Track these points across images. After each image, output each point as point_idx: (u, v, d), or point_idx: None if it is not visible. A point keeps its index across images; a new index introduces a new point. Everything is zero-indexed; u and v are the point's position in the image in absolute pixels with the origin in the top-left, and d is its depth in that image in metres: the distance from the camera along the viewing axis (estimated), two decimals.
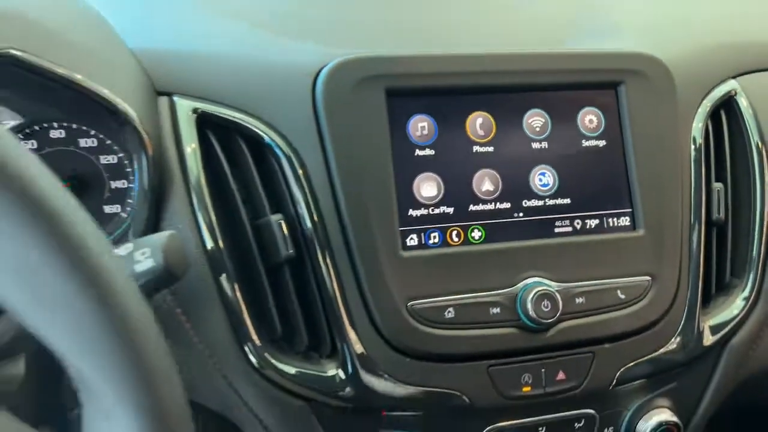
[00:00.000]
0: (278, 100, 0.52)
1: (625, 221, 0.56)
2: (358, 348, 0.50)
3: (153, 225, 0.56)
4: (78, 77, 0.46)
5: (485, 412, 0.53)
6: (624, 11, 0.68)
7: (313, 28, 0.59)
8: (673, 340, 0.56)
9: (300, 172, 0.50)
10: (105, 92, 0.47)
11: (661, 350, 0.55)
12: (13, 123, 0.57)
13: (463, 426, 0.53)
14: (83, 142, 0.59)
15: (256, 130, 0.51)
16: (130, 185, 0.60)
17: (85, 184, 0.59)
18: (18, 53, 0.45)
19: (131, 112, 0.48)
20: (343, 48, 0.54)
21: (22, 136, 0.57)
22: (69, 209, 0.27)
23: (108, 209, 0.60)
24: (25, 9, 0.48)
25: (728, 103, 0.62)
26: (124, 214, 0.60)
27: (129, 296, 0.27)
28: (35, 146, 0.58)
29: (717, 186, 0.60)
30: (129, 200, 0.60)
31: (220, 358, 0.50)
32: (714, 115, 0.61)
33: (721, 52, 0.64)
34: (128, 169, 0.60)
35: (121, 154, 0.59)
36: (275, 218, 0.50)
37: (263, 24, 0.58)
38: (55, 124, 0.58)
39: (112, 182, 0.60)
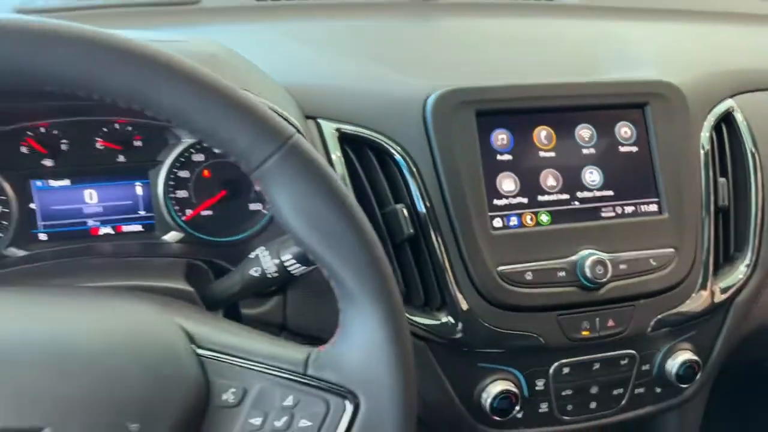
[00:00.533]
0: (397, 120, 0.69)
1: (653, 207, 0.74)
2: (462, 302, 0.67)
3: None
4: (266, 101, 0.63)
5: (554, 351, 0.70)
6: (644, 46, 0.87)
7: (414, 65, 0.76)
8: (692, 297, 0.73)
9: (415, 171, 0.67)
10: (284, 113, 0.63)
11: (684, 305, 0.73)
12: (190, 140, 0.74)
13: (538, 360, 0.70)
14: None
15: (382, 143, 0.68)
16: None
17: (238, 187, 0.76)
18: None
19: (300, 128, 0.65)
20: (440, 80, 0.71)
21: (194, 150, 0.74)
22: (335, 177, 0.43)
23: (252, 207, 0.77)
24: (220, 53, 0.65)
25: (727, 118, 0.80)
26: (264, 211, 0.78)
27: (372, 232, 0.44)
28: (203, 158, 0.75)
29: (722, 181, 0.77)
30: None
31: None
32: (717, 126, 0.79)
33: (721, 77, 0.82)
34: None
35: None
36: (399, 207, 0.67)
37: (377, 61, 0.76)
38: None
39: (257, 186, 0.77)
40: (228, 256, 0.73)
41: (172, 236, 0.75)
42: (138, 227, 0.74)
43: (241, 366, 0.44)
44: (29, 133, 0.69)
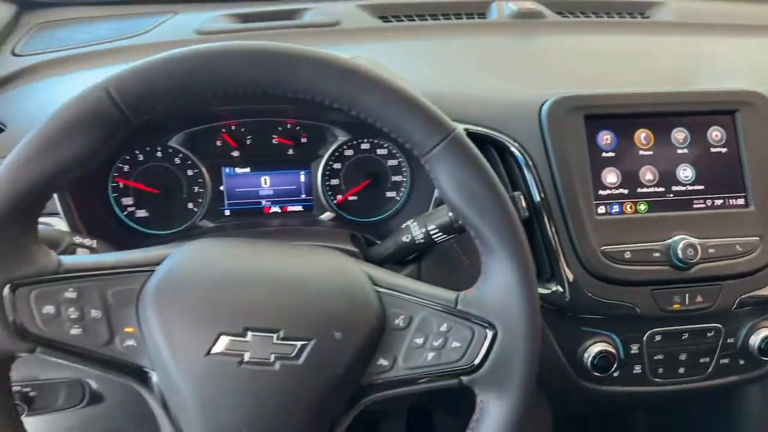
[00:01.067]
0: (516, 122, 0.83)
1: (740, 201, 0.84)
2: (569, 275, 0.80)
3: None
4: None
5: (648, 320, 0.82)
6: (735, 59, 0.97)
7: (528, 76, 0.90)
8: None
9: (531, 165, 0.81)
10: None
11: (766, 287, 0.83)
12: (344, 138, 0.91)
13: (634, 327, 0.82)
14: (379, 151, 0.92)
15: (503, 140, 0.82)
16: (404, 179, 0.93)
17: (377, 178, 0.92)
18: None
19: None
20: (552, 89, 0.85)
21: (346, 147, 0.91)
22: (485, 162, 0.57)
23: (388, 194, 0.93)
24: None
25: None
26: (397, 198, 0.93)
27: (510, 204, 0.58)
28: (352, 153, 0.92)
29: None
30: (402, 188, 0.93)
31: (479, 272, 0.81)
32: None
33: None
34: (404, 169, 0.93)
35: (401, 159, 0.93)
36: (516, 194, 0.80)
37: (495, 73, 0.91)
38: (365, 140, 0.92)
39: (393, 177, 0.93)
40: (370, 233, 0.89)
41: (326, 216, 0.92)
42: (299, 208, 0.92)
43: (407, 300, 0.59)
44: (223, 130, 0.88)
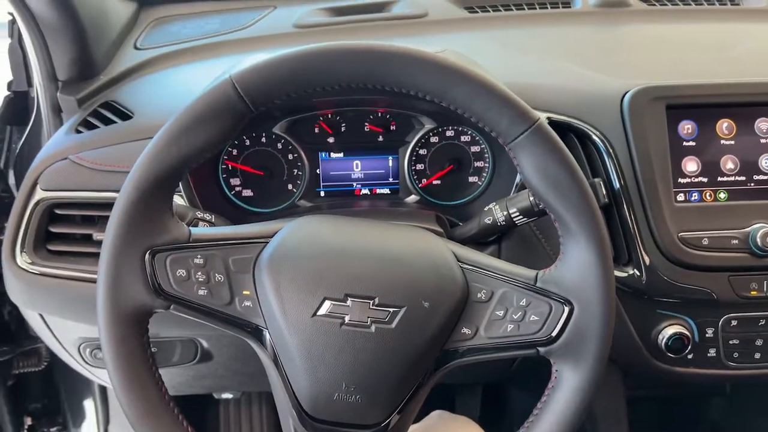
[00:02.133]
0: (597, 111, 0.86)
1: None
2: (647, 259, 0.83)
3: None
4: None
5: (724, 305, 0.84)
6: None
7: (611, 66, 0.93)
8: None
9: (611, 152, 0.84)
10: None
11: None
12: (429, 126, 0.97)
13: (709, 312, 0.85)
14: (462, 138, 0.98)
15: (584, 128, 0.85)
16: (486, 165, 0.98)
17: (460, 163, 0.98)
18: None
19: None
20: (634, 79, 0.87)
21: (431, 134, 0.97)
22: (567, 150, 0.62)
23: (471, 179, 0.99)
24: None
25: None
26: (479, 183, 0.99)
27: (590, 189, 0.62)
28: (437, 140, 0.97)
29: None
30: (484, 174, 0.98)
31: (556, 253, 0.86)
32: None
33: None
34: (486, 155, 0.98)
35: (483, 146, 0.98)
36: (597, 180, 0.84)
37: (578, 62, 0.94)
38: (449, 128, 0.97)
39: (475, 162, 0.98)
40: (452, 215, 0.95)
41: (411, 198, 0.98)
42: (387, 190, 0.99)
43: (489, 276, 0.65)
44: (321, 118, 0.95)
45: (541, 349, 0.64)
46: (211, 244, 0.64)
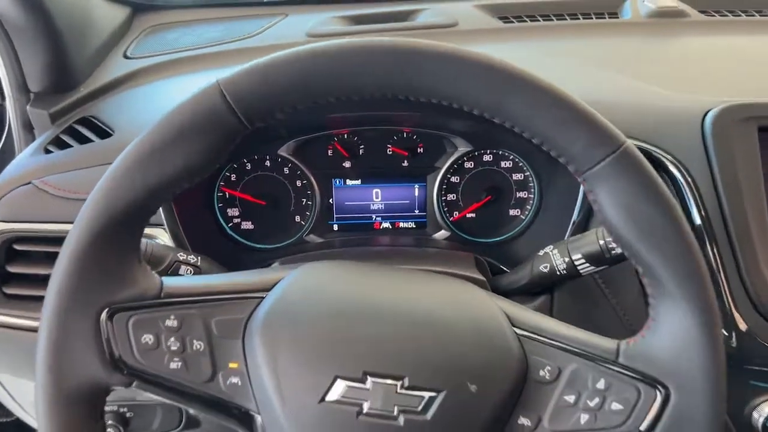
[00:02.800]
0: (673, 133, 0.71)
1: None
2: (738, 317, 0.66)
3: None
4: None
5: None
6: None
7: (683, 81, 0.78)
8: None
9: (691, 183, 0.69)
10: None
11: None
12: (464, 149, 0.82)
13: None
14: (503, 164, 0.82)
15: (657, 155, 0.70)
16: (531, 196, 0.83)
17: (500, 193, 0.83)
18: None
19: None
20: (715, 96, 0.72)
21: (466, 158, 0.82)
22: (663, 184, 0.46)
23: (512, 213, 0.83)
24: None
25: None
26: (522, 217, 0.83)
27: (693, 237, 0.46)
28: (472, 165, 0.82)
29: None
30: (528, 206, 0.83)
31: (627, 313, 0.70)
32: None
33: None
34: (531, 184, 0.82)
35: (527, 173, 0.82)
36: None
37: (642, 77, 0.79)
38: (487, 151, 0.82)
39: (518, 193, 0.83)
40: (487, 256, 0.79)
41: (440, 234, 0.83)
42: (412, 224, 0.84)
43: (556, 347, 0.49)
44: (335, 139, 0.81)
45: None
46: (189, 300, 0.48)
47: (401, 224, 0.84)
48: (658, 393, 0.47)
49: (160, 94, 0.86)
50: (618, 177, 0.45)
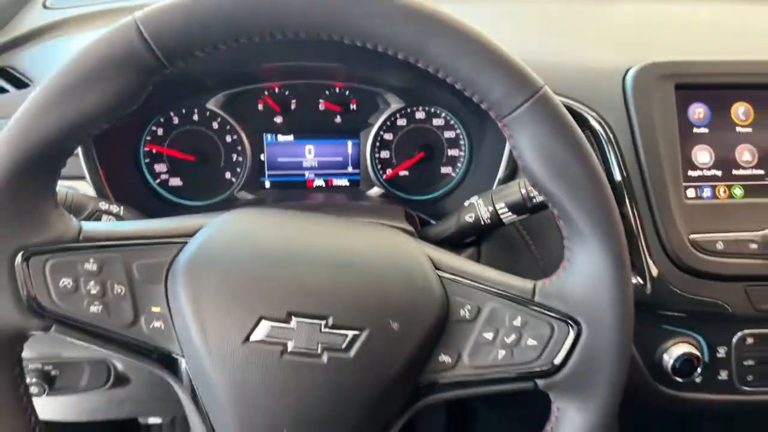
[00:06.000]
0: (596, 91, 0.73)
1: None
2: (652, 267, 0.70)
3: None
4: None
5: (739, 320, 0.72)
6: None
7: (611, 42, 0.80)
8: None
9: (612, 138, 0.71)
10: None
11: None
12: (397, 106, 0.82)
13: (722, 328, 0.72)
14: (435, 121, 0.83)
15: (579, 109, 0.72)
16: (462, 153, 0.84)
17: (432, 151, 0.84)
18: None
19: None
20: (638, 55, 0.75)
21: (399, 115, 0.82)
22: (578, 129, 0.48)
23: (443, 170, 0.85)
24: None
25: None
26: (453, 174, 0.85)
27: (606, 180, 0.48)
28: (405, 123, 0.83)
29: None
30: (459, 164, 0.84)
31: (547, 262, 0.72)
32: None
33: None
34: (462, 143, 0.84)
35: (459, 131, 0.83)
36: None
37: (575, 37, 0.81)
38: (420, 108, 0.83)
39: (449, 151, 0.84)
40: (420, 212, 0.80)
41: (374, 191, 0.84)
42: (345, 182, 0.84)
43: (476, 288, 0.50)
44: (266, 92, 0.80)
45: (540, 382, 0.50)
46: (109, 244, 0.47)
47: (335, 181, 0.84)
48: (570, 329, 0.49)
49: (81, 45, 0.83)
50: (535, 122, 0.46)
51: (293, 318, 0.46)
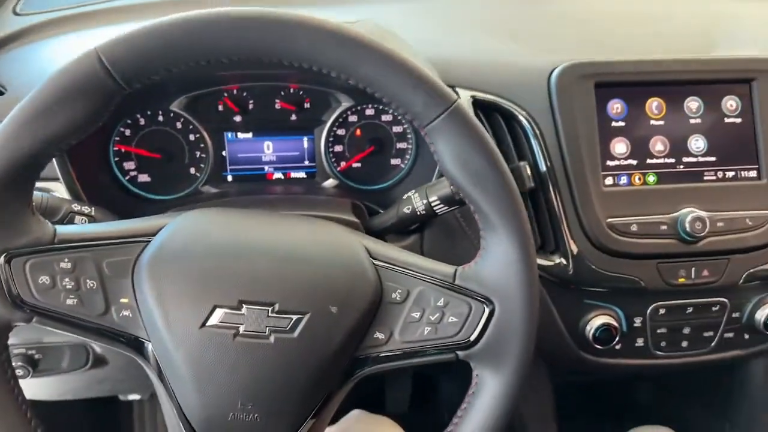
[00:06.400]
0: (524, 89, 0.80)
1: (753, 173, 0.82)
2: (573, 247, 0.78)
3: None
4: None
5: (652, 293, 0.81)
6: (754, 23, 0.93)
7: (539, 40, 0.87)
8: None
9: (538, 134, 0.79)
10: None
11: None
12: (347, 104, 0.89)
13: (637, 301, 0.81)
14: (384, 117, 0.90)
15: (510, 108, 0.80)
16: (409, 146, 0.91)
17: (382, 144, 0.91)
18: None
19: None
20: (562, 55, 0.82)
21: (350, 112, 0.89)
22: (487, 135, 0.56)
23: (393, 162, 0.92)
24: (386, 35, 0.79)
25: None
26: (402, 165, 0.92)
27: (512, 179, 0.56)
28: (356, 119, 0.90)
29: None
30: (407, 156, 0.91)
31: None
32: None
33: None
34: (409, 136, 0.91)
35: (405, 125, 0.91)
36: (522, 164, 0.78)
37: (506, 36, 0.88)
38: (369, 106, 0.90)
39: (397, 144, 0.91)
40: (373, 202, 0.88)
41: (329, 183, 0.91)
42: (303, 174, 0.91)
43: (405, 274, 0.58)
44: (225, 94, 0.86)
45: (461, 353, 0.58)
46: (81, 245, 0.55)
47: (293, 174, 0.91)
48: (485, 307, 0.57)
49: (51, 53, 0.89)
50: (450, 131, 0.54)
51: (244, 305, 0.54)
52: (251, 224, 0.60)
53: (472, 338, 0.57)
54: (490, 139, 0.55)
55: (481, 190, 0.55)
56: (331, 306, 0.55)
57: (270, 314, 0.54)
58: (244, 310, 0.54)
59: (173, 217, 0.58)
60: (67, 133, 0.51)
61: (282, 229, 0.60)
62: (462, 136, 0.54)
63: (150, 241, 0.56)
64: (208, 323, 0.53)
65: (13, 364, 0.76)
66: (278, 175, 0.91)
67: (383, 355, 0.58)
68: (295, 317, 0.55)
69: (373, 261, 0.58)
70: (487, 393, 0.58)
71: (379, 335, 0.58)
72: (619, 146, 0.80)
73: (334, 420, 0.94)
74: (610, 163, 0.80)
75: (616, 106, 0.80)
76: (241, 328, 0.54)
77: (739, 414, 0.96)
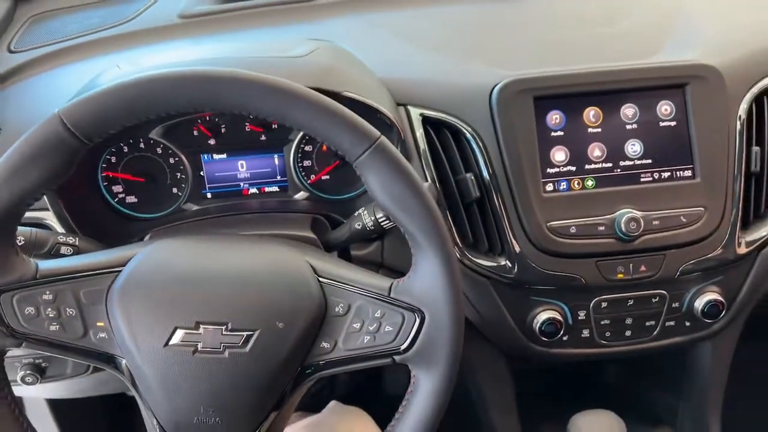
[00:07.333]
0: (468, 105, 0.86)
1: (688, 173, 0.87)
2: (518, 249, 0.85)
3: None
4: (368, 100, 0.83)
5: (594, 289, 0.88)
6: (694, 23, 0.96)
7: (481, 55, 0.93)
8: (718, 248, 0.86)
9: (482, 146, 0.85)
10: (380, 107, 0.83)
11: (710, 254, 0.87)
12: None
13: (580, 296, 0.88)
14: None
15: (456, 124, 0.86)
16: None
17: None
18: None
19: (393, 117, 0.84)
20: (504, 69, 0.88)
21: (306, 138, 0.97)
22: (409, 166, 0.63)
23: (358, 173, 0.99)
24: (334, 64, 0.86)
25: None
26: None
27: (433, 204, 0.63)
28: (312, 148, 0.97)
29: (756, 149, 0.88)
30: None
31: None
32: (758, 99, 0.90)
33: (764, 54, 0.92)
34: None
35: None
36: (468, 175, 0.85)
37: (451, 53, 0.93)
38: None
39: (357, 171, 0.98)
40: (341, 211, 0.96)
41: (301, 195, 0.99)
42: (276, 188, 0.99)
43: (346, 289, 0.66)
44: (199, 121, 0.94)
45: (397, 358, 0.66)
46: (60, 278, 0.64)
47: (267, 189, 0.99)
48: (416, 317, 0.65)
49: (47, 87, 0.97)
50: (375, 164, 0.62)
51: (201, 326, 0.63)
52: (207, 252, 0.68)
53: (406, 345, 0.65)
54: (411, 169, 0.62)
55: (407, 215, 0.63)
56: (278, 322, 0.64)
57: (224, 332, 0.63)
58: (201, 330, 0.63)
59: (141, 248, 0.67)
60: (40, 186, 0.60)
61: (235, 254, 0.68)
62: (386, 168, 0.62)
63: (120, 272, 0.65)
64: (171, 342, 0.62)
65: (23, 372, 0.87)
66: (253, 190, 0.99)
67: (329, 361, 0.66)
68: (246, 334, 0.63)
69: (318, 278, 0.67)
70: (423, 391, 0.66)
71: (325, 345, 0.66)
72: (559, 154, 0.86)
73: (315, 411, 1.03)
74: (550, 170, 0.86)
75: (554, 117, 0.86)
76: (199, 346, 0.62)
77: (691, 391, 1.03)
